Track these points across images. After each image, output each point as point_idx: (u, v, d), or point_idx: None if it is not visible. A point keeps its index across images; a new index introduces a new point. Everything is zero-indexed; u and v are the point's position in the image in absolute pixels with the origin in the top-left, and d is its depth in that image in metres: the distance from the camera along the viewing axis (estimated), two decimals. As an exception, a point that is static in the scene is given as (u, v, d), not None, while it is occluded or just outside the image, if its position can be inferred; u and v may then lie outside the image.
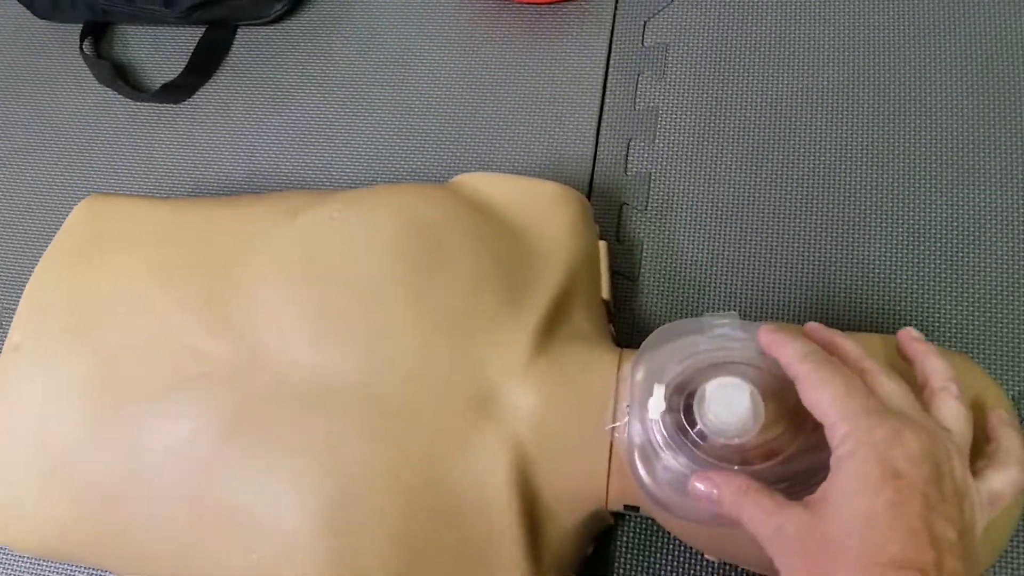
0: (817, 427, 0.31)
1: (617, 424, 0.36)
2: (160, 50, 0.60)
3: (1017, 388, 0.43)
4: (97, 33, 0.60)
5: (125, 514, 0.39)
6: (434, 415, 0.37)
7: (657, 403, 0.32)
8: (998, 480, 0.30)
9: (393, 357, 0.37)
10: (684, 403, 0.32)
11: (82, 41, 0.59)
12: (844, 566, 0.26)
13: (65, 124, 0.59)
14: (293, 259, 0.40)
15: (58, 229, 0.54)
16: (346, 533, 0.35)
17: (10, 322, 0.54)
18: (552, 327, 0.40)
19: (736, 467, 0.31)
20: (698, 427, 0.32)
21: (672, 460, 0.32)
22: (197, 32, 0.59)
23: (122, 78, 0.58)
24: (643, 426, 0.33)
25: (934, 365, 0.32)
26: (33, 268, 0.55)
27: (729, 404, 0.30)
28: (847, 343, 0.32)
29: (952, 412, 0.30)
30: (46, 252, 0.44)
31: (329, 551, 0.35)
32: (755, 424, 0.30)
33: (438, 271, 0.39)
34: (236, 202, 0.46)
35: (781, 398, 0.31)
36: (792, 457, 0.31)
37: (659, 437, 0.32)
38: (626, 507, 0.37)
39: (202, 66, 0.57)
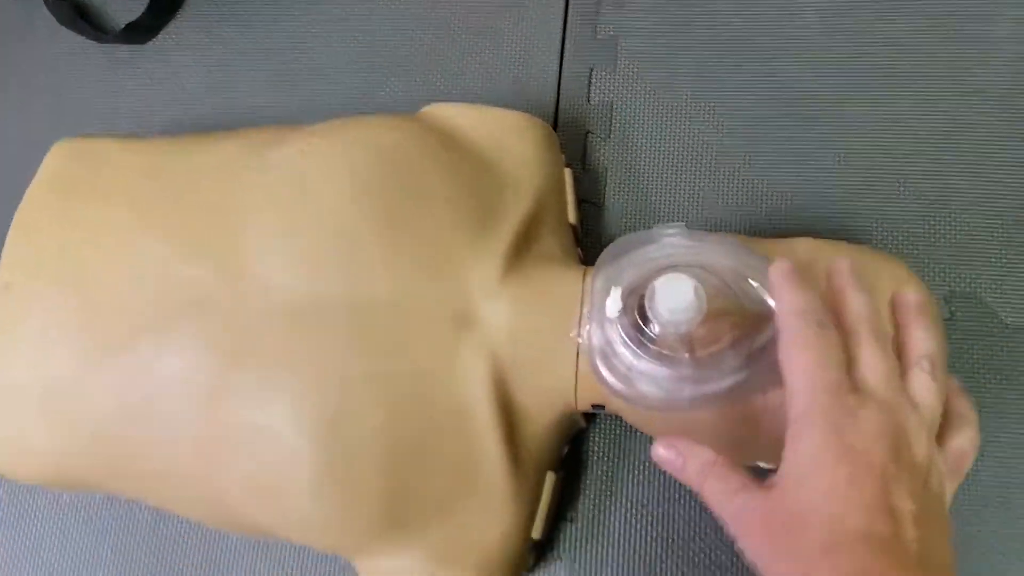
0: (760, 317, 0.35)
1: (581, 331, 0.39)
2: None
3: (947, 288, 0.47)
4: (55, -26, 0.60)
5: (128, 439, 0.41)
6: (417, 331, 0.40)
7: (614, 303, 0.36)
8: (956, 442, 0.31)
9: (373, 279, 0.40)
10: (638, 304, 0.36)
11: (39, -18, 0.59)
12: (807, 542, 0.27)
13: (29, 69, 0.59)
14: (270, 189, 0.42)
15: (31, 174, 0.55)
16: (339, 441, 0.38)
17: None
18: (522, 249, 0.43)
19: (685, 356, 0.35)
20: (651, 324, 0.35)
21: (629, 356, 0.36)
22: (158, -31, 0.59)
23: (84, 19, 0.58)
24: (602, 328, 0.37)
25: (912, 336, 0.32)
26: (8, 213, 0.56)
27: (674, 296, 0.33)
28: (855, 300, 0.32)
29: (922, 387, 0.31)
30: (25, 195, 0.45)
31: (324, 457, 0.38)
32: (698, 313, 0.33)
33: (412, 198, 0.42)
34: (209, 139, 0.47)
35: (723, 294, 0.35)
36: (735, 342, 0.35)
37: (616, 336, 0.36)
38: (593, 406, 0.41)
39: (165, 5, 0.57)
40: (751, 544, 0.29)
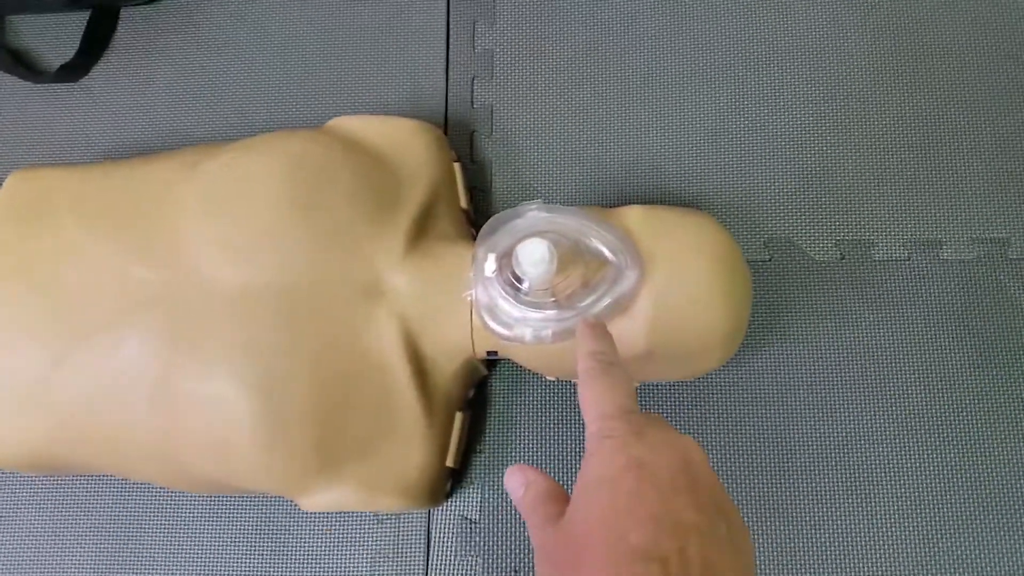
0: (601, 266, 0.45)
1: (470, 292, 0.49)
2: (50, 35, 0.67)
3: (764, 236, 0.59)
4: (-13, 24, 0.66)
5: (92, 421, 0.48)
6: (336, 303, 0.48)
7: (490, 266, 0.45)
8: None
9: (296, 263, 0.48)
10: (509, 266, 0.46)
11: (-26, 32, 0.65)
12: (588, 564, 0.25)
13: (-30, 110, 0.65)
14: (202, 199, 0.49)
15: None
16: (274, 401, 0.46)
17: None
18: (421, 231, 0.52)
19: (551, 301, 0.45)
20: (522, 280, 0.45)
21: (507, 307, 0.46)
22: (82, 16, 0.65)
23: (20, 63, 0.64)
24: (485, 288, 0.47)
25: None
26: None
27: (532, 254, 0.43)
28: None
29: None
30: (-12, 220, 0.52)
31: (262, 416, 0.46)
32: (551, 265, 0.43)
33: (322, 194, 0.50)
34: (144, 160, 0.55)
35: (572, 251, 0.45)
36: (585, 287, 0.45)
37: (496, 292, 0.46)
38: (488, 353, 0.51)
39: (93, 46, 0.64)
40: (540, 574, 0.27)
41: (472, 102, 0.63)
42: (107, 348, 0.48)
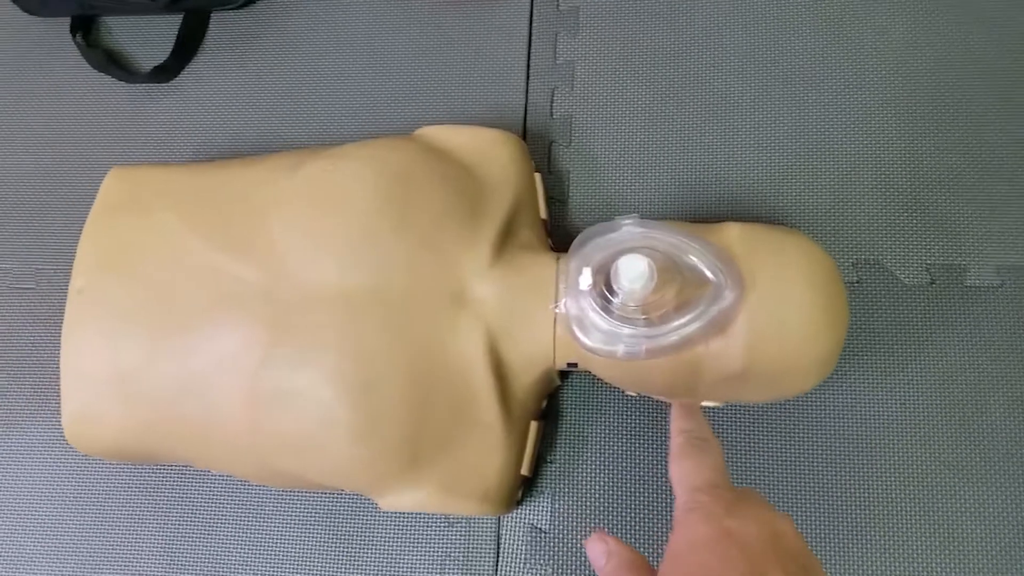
0: (698, 285, 0.45)
1: (558, 303, 0.49)
2: (143, 36, 0.69)
3: (854, 256, 0.58)
4: (85, 25, 0.68)
5: (187, 412, 0.50)
6: (425, 308, 0.49)
7: (585, 280, 0.45)
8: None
9: (389, 267, 0.49)
10: (604, 280, 0.46)
11: (73, 34, 0.67)
12: None
13: (68, 109, 0.67)
14: (301, 201, 0.51)
15: (82, 197, 0.64)
16: (368, 401, 0.47)
17: (61, 277, 0.64)
18: (505, 240, 0.52)
19: (642, 318, 0.45)
20: (615, 294, 0.45)
21: (598, 320, 0.46)
22: (175, 19, 0.67)
23: (114, 63, 0.66)
24: (576, 300, 0.47)
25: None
26: (71, 231, 0.65)
27: (632, 270, 0.43)
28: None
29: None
30: (90, 214, 0.54)
31: (356, 416, 0.47)
32: (651, 282, 0.43)
33: (415, 202, 0.51)
34: (241, 162, 0.56)
35: (669, 268, 0.45)
36: (680, 305, 0.45)
37: (588, 304, 0.46)
38: (568, 364, 0.51)
39: (185, 49, 0.66)
40: None
41: (551, 112, 0.64)
42: (203, 343, 0.49)
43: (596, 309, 0.46)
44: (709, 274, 0.45)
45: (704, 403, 0.52)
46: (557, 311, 0.49)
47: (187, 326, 0.50)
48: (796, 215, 0.59)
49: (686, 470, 0.32)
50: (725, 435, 0.55)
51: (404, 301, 0.49)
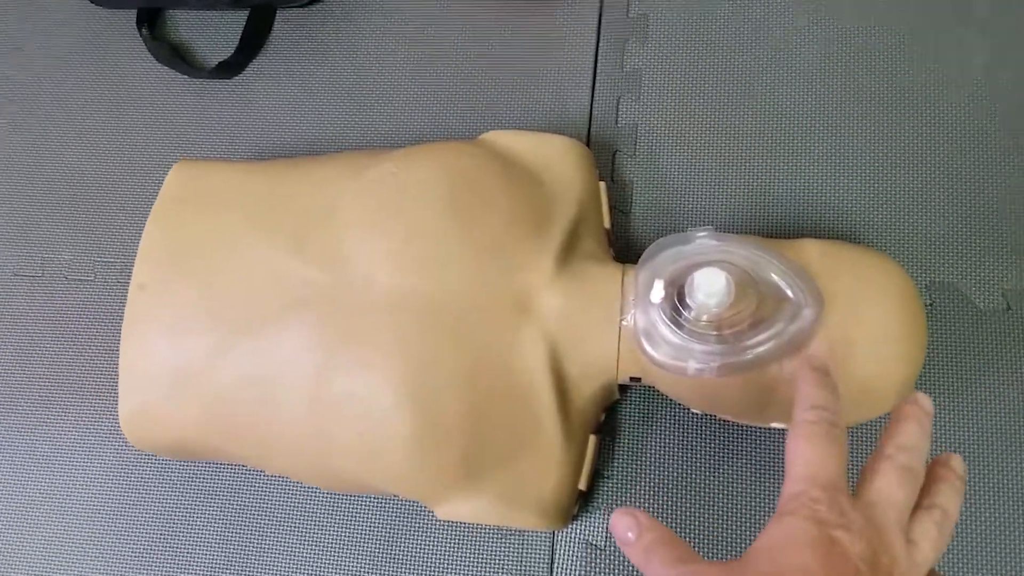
0: (775, 303, 0.43)
1: (625, 316, 0.48)
2: (208, 32, 0.69)
3: (927, 279, 0.56)
4: (151, 18, 0.68)
5: (248, 413, 0.49)
6: (488, 317, 0.48)
7: (657, 292, 0.44)
8: (931, 537, 0.31)
9: (453, 274, 0.48)
10: (677, 293, 0.44)
11: (139, 26, 0.68)
12: None
13: (131, 101, 0.68)
14: (367, 204, 0.50)
15: (142, 190, 0.64)
16: (428, 408, 0.46)
17: (118, 270, 0.64)
18: (569, 250, 0.51)
19: (713, 334, 0.44)
20: (688, 309, 0.44)
21: (669, 334, 0.45)
22: (240, 15, 0.67)
23: (179, 57, 0.67)
24: (646, 312, 0.45)
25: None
26: (130, 223, 0.65)
27: (710, 285, 0.42)
28: (912, 433, 0.32)
29: (925, 536, 0.31)
30: (153, 209, 0.54)
31: (417, 422, 0.46)
32: (728, 298, 0.42)
33: (481, 208, 0.50)
34: (303, 163, 0.56)
35: (746, 284, 0.44)
36: (755, 323, 0.43)
37: (659, 318, 0.45)
38: (631, 378, 0.50)
39: (250, 45, 0.66)
40: None
41: (617, 120, 0.63)
42: (267, 343, 0.49)
43: (666, 323, 0.45)
44: (788, 291, 0.44)
45: (773, 424, 0.50)
46: (624, 323, 0.48)
47: (251, 326, 0.49)
48: (867, 234, 0.57)
49: (809, 458, 0.30)
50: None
51: (468, 309, 0.48)
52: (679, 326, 0.44)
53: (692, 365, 0.44)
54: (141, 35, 0.67)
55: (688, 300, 0.43)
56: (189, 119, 0.67)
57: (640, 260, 0.47)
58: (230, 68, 0.66)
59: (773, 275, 0.44)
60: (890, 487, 0.31)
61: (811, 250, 0.47)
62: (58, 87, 0.69)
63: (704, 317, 0.44)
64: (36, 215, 0.66)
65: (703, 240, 0.46)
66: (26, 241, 0.66)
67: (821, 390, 0.33)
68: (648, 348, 0.45)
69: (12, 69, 0.71)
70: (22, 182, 0.67)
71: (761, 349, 0.44)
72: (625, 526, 0.32)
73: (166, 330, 0.51)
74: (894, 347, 0.44)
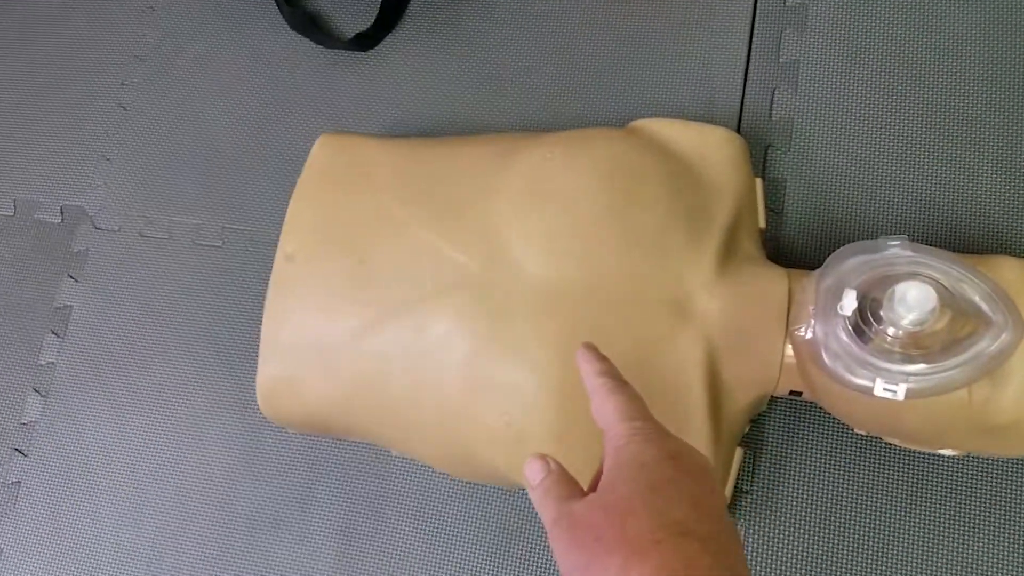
0: (973, 323, 0.40)
1: (799, 326, 0.44)
2: (347, 3, 0.67)
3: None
4: (288, -16, 0.67)
5: (393, 394, 0.48)
6: (643, 314, 0.46)
7: (850, 303, 0.41)
8: None
9: (608, 265, 0.46)
10: (867, 305, 0.41)
11: (275, -8, 0.67)
12: (632, 528, 0.27)
13: (262, 69, 0.67)
14: (521, 190, 0.48)
15: (272, 159, 0.63)
16: (570, 400, 0.44)
17: (246, 237, 0.64)
18: (727, 250, 0.48)
19: (900, 352, 0.40)
20: (878, 322, 0.41)
21: (856, 349, 0.41)
22: (378, -13, 0.66)
23: (315, 26, 0.65)
24: (828, 323, 0.42)
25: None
26: (259, 191, 0.64)
27: (916, 300, 0.39)
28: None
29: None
30: (299, 180, 0.53)
31: (557, 412, 0.45)
32: (933, 316, 0.39)
33: (638, 204, 0.48)
34: (450, 142, 0.54)
35: (946, 301, 0.40)
36: (949, 344, 0.40)
37: (842, 331, 0.41)
38: (791, 392, 0.47)
39: (388, 19, 0.64)
40: (570, 543, 0.28)
41: (771, 114, 0.59)
42: (416, 326, 0.47)
43: (852, 336, 0.41)
44: (988, 311, 0.40)
45: (942, 451, 0.47)
46: (800, 334, 0.45)
47: (400, 309, 0.48)
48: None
49: (617, 405, 0.32)
50: (960, 485, 0.50)
51: (621, 303, 0.46)
52: (865, 340, 0.41)
53: (880, 385, 0.41)
54: (276, 1, 0.66)
55: (882, 313, 0.40)
56: (321, 89, 0.65)
57: (824, 265, 0.44)
58: (367, 40, 0.64)
59: (973, 294, 0.40)
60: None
61: (1010, 268, 0.43)
62: (190, 48, 0.69)
63: (892, 332, 0.41)
64: (166, 177, 0.66)
65: (895, 250, 0.42)
66: (155, 203, 0.66)
67: (600, 361, 0.35)
68: (829, 363, 0.42)
69: (145, 27, 0.70)
70: (152, 142, 0.67)
71: (955, 372, 0.40)
72: (538, 467, 0.33)
73: (314, 303, 0.50)
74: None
